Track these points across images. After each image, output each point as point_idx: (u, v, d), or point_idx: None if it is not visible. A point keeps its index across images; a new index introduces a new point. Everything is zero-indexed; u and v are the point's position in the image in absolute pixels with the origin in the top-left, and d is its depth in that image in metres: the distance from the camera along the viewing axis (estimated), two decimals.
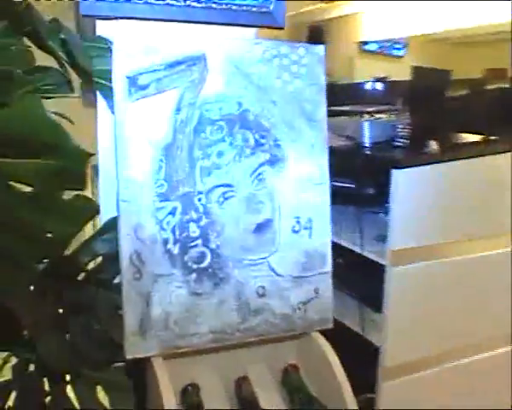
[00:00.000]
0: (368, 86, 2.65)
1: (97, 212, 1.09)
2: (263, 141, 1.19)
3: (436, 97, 1.97)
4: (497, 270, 1.83)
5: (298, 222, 1.23)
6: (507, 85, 2.30)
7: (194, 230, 1.14)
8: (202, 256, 1.15)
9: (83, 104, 1.34)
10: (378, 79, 2.87)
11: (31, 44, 0.98)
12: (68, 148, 0.76)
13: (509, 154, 1.77)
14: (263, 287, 1.20)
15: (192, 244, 1.14)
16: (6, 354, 1.10)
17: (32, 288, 1.00)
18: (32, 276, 0.91)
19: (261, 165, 1.19)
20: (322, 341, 1.24)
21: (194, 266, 1.15)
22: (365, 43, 3.73)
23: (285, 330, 1.23)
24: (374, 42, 3.71)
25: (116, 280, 1.15)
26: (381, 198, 1.82)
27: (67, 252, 1.08)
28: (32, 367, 1.08)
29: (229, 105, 1.16)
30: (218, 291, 1.17)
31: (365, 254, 1.81)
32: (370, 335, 1.80)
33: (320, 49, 1.23)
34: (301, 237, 1.23)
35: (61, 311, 1.07)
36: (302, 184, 1.23)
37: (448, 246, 1.74)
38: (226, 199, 1.16)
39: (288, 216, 1.22)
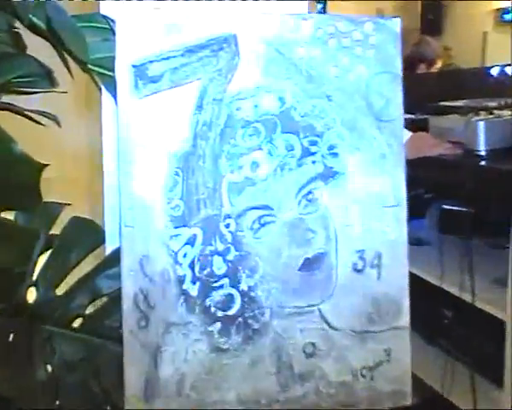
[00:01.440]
0: (495, 72, 2.35)
1: (102, 240, 1.00)
2: (314, 149, 1.03)
3: None
4: None
5: (362, 258, 1.05)
6: None
7: (219, 265, 1.00)
8: (230, 300, 1.01)
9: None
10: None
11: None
12: (12, 156, 0.66)
13: None
14: (313, 344, 1.04)
15: (216, 285, 1.00)
16: None
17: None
18: None
19: (311, 180, 1.03)
20: None
21: (219, 314, 1.01)
22: (505, 11, 3.29)
23: (343, 405, 1.05)
24: None
25: None
26: (504, 227, 1.59)
27: (60, 292, 1.00)
28: None
29: (267, 101, 1.02)
30: (251, 348, 1.02)
31: (477, 303, 1.59)
32: None
33: (395, 23, 1.06)
34: (367, 279, 1.05)
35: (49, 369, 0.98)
36: (368, 206, 1.05)
37: None
38: (263, 225, 1.02)
39: (348, 250, 1.05)
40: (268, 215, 1.02)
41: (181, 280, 0.99)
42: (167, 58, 0.99)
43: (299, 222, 1.03)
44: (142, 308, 0.98)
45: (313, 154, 1.03)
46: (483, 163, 1.69)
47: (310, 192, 1.03)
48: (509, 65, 2.50)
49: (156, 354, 0.98)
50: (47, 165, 0.69)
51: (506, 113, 1.86)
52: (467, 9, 3.56)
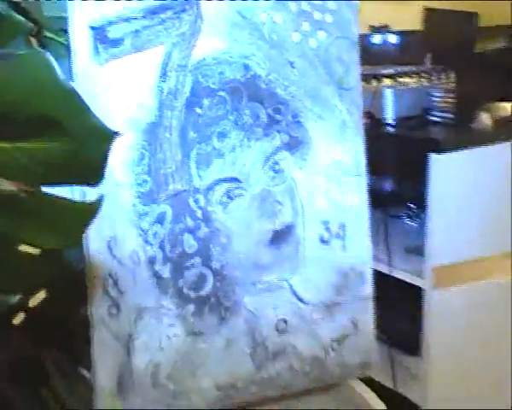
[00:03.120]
0: (378, 40, 2.66)
1: None
2: (279, 117, 1.17)
3: (466, 51, 2.02)
4: None
5: (327, 229, 1.22)
6: None
7: (190, 243, 1.11)
8: (203, 280, 1.13)
9: None
10: (382, 28, 2.87)
11: None
12: (86, 124, 0.72)
13: None
14: (284, 320, 1.19)
15: (188, 264, 1.12)
16: None
17: None
18: None
19: (277, 150, 1.18)
20: (364, 389, 1.25)
21: (193, 295, 1.12)
22: None
23: (316, 380, 1.22)
24: None
25: None
26: (415, 196, 1.85)
27: None
28: None
29: (232, 68, 1.14)
30: (225, 329, 1.14)
31: (394, 273, 1.83)
32: (405, 388, 1.81)
33: None
34: (332, 250, 1.23)
35: None
36: (332, 176, 1.22)
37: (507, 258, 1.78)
38: (232, 199, 1.14)
39: (314, 221, 1.21)
40: (237, 188, 1.15)
41: (152, 261, 1.09)
42: (127, 20, 1.07)
43: (267, 194, 1.17)
44: (113, 294, 1.06)
45: (279, 122, 1.17)
46: (392, 131, 1.93)
47: (276, 163, 1.18)
48: (387, 31, 2.86)
49: (129, 343, 1.07)
50: (117, 134, 0.74)
51: (409, 80, 2.15)
52: None
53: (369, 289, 1.26)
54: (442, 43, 2.11)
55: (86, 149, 0.74)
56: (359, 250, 1.25)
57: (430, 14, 2.13)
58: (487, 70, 1.96)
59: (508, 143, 1.75)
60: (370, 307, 1.26)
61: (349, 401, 1.26)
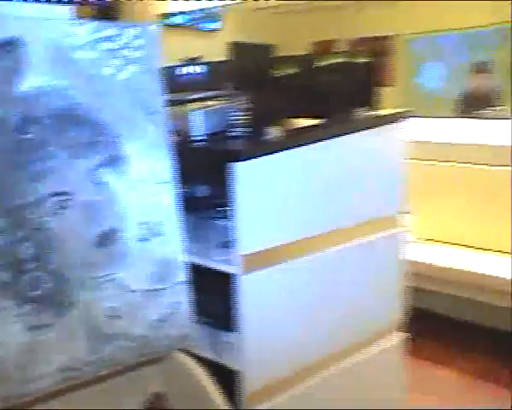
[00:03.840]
0: (188, 70, 2.96)
1: None
2: (99, 138, 1.39)
3: (262, 77, 2.35)
4: (363, 260, 2.28)
5: (147, 228, 1.45)
6: (339, 60, 2.80)
7: (26, 250, 1.29)
8: (39, 281, 1.31)
9: None
10: (193, 60, 3.20)
11: None
12: None
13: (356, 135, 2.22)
14: (113, 307, 1.40)
15: (25, 268, 1.29)
16: None
17: None
18: None
19: (100, 166, 1.39)
20: (186, 360, 1.49)
21: (31, 295, 1.30)
22: (170, 15, 4.03)
23: (143, 355, 1.45)
24: (181, 13, 4.03)
25: None
26: (223, 199, 2.13)
27: None
28: None
29: (55, 98, 1.34)
30: (63, 320, 1.33)
31: (211, 264, 2.08)
32: (226, 359, 2.07)
33: (154, 28, 1.48)
34: (152, 245, 1.46)
35: None
36: (146, 184, 1.46)
37: (306, 242, 2.11)
38: (63, 209, 1.34)
39: (135, 222, 1.44)
40: (67, 200, 1.34)
41: None
42: None
43: (94, 203, 1.38)
44: None
45: (99, 143, 1.39)
46: (201, 146, 2.20)
47: (99, 177, 1.39)
48: (194, 62, 3.19)
49: None
50: None
51: (214, 102, 2.46)
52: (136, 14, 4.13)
53: (184, 276, 1.50)
54: (244, 70, 2.40)
55: None
56: (175, 244, 1.50)
57: (235, 46, 2.41)
58: (281, 92, 2.30)
59: (298, 149, 2.08)
60: (187, 291, 1.51)
61: (175, 370, 1.49)
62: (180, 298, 1.50)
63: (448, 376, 3.25)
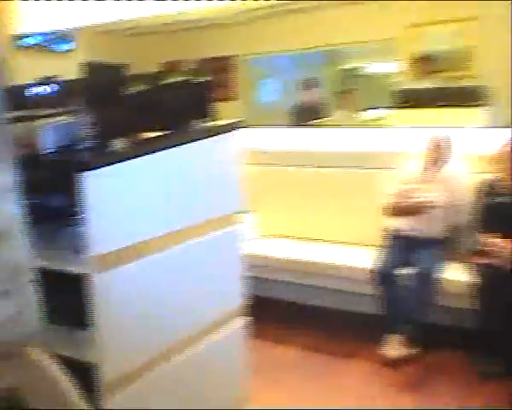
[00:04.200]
0: (41, 88, 3.07)
1: None
2: None
3: (113, 94, 2.53)
4: (206, 254, 2.51)
5: None
6: (183, 78, 3.03)
7: None
8: None
9: None
10: (46, 79, 3.30)
11: None
12: None
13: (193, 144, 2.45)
14: None
15: None
16: None
17: None
18: None
19: None
20: (41, 356, 1.61)
21: None
22: (22, 36, 4.05)
23: None
24: (33, 35, 4.07)
25: None
26: (75, 206, 2.27)
27: None
28: None
29: None
30: None
31: (64, 267, 2.21)
32: (82, 354, 2.21)
33: None
34: (2, 251, 1.60)
35: None
36: None
37: (155, 241, 2.31)
38: None
39: None
40: None
41: None
42: None
43: None
44: None
45: None
46: (50, 159, 2.34)
47: None
48: (45, 81, 3.29)
49: None
50: None
51: (65, 118, 2.60)
52: None
53: (29, 277, 1.64)
54: (95, 88, 2.56)
55: None
56: (22, 249, 1.64)
57: (87, 65, 2.55)
58: (129, 107, 2.49)
59: (142, 158, 2.28)
60: (32, 290, 1.65)
61: (29, 366, 1.62)
62: (28, 299, 1.63)
63: (286, 352, 3.77)
